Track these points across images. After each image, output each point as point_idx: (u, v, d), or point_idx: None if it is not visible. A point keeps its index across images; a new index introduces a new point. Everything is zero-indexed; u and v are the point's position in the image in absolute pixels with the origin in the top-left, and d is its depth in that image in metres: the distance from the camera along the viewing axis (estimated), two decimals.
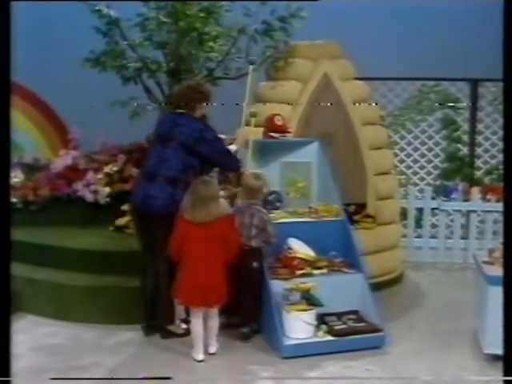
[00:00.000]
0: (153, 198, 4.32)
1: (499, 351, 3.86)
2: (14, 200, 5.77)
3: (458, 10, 7.49)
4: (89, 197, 5.94)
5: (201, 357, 4.08)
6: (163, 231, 4.27)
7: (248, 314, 4.46)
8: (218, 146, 4.46)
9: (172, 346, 4.34)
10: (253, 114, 4.90)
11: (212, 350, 4.19)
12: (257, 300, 4.42)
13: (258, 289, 4.38)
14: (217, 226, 4.12)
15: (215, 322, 4.19)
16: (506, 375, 2.76)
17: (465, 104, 7.56)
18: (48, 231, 5.70)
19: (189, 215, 4.10)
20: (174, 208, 4.25)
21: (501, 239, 5.11)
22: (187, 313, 4.52)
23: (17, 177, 6.13)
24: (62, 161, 6.26)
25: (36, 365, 4.00)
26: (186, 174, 4.34)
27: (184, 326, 4.49)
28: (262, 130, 5.09)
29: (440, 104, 7.62)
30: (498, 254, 4.25)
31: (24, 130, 7.41)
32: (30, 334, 4.53)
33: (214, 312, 4.18)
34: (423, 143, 7.68)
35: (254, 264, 4.35)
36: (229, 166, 4.59)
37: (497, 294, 3.82)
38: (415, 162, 7.70)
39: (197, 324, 4.12)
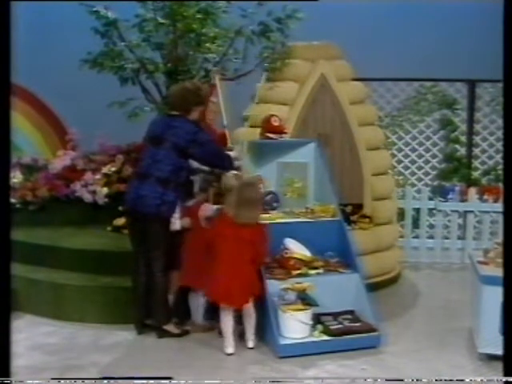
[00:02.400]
0: (143, 198, 4.37)
1: (493, 350, 3.89)
2: (12, 200, 5.79)
3: (456, 11, 7.50)
4: (87, 197, 5.97)
5: (231, 350, 4.17)
6: (155, 231, 4.36)
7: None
8: (210, 148, 4.47)
9: (169, 345, 4.36)
10: (245, 118, 4.92)
11: (251, 344, 4.25)
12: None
13: None
14: (255, 230, 4.21)
15: (251, 316, 4.24)
16: (506, 375, 2.79)
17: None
18: (46, 231, 5.72)
19: (232, 214, 4.17)
20: (164, 208, 4.33)
21: (497, 239, 5.17)
22: (178, 315, 4.57)
23: (15, 177, 6.15)
24: (61, 161, 6.28)
25: (33, 364, 4.02)
26: (177, 175, 4.38)
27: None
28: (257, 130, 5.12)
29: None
30: (493, 254, 4.27)
31: (23, 130, 7.44)
32: (28, 334, 4.55)
33: (249, 307, 4.22)
34: (421, 144, 7.70)
35: None
36: (221, 166, 4.54)
37: (491, 294, 3.85)
38: (413, 162, 7.71)
39: (227, 318, 4.19)
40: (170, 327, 4.51)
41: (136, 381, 3.69)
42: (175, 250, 4.49)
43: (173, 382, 3.65)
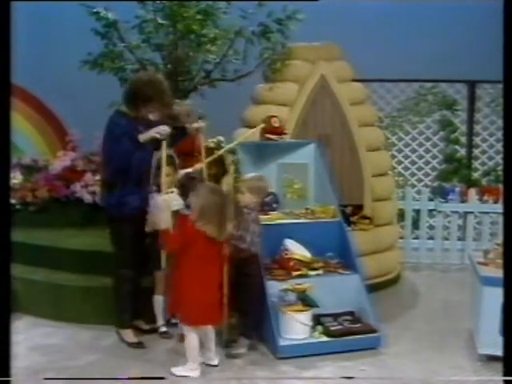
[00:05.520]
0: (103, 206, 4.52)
1: (493, 351, 3.89)
2: (12, 201, 5.79)
3: (456, 12, 7.50)
4: (87, 198, 5.97)
5: (198, 373, 3.88)
6: (110, 235, 4.44)
7: (253, 322, 4.33)
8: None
9: (168, 346, 4.35)
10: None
11: (215, 361, 4.02)
12: (260, 305, 4.27)
13: (260, 295, 4.24)
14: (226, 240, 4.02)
15: (213, 333, 4.03)
16: (505, 375, 2.79)
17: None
18: (46, 232, 5.72)
19: (214, 233, 3.86)
20: (111, 212, 4.36)
21: (497, 240, 5.17)
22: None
23: (15, 178, 6.14)
24: (61, 162, 6.28)
25: (33, 365, 4.02)
26: (116, 176, 4.30)
27: (164, 329, 4.50)
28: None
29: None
30: (493, 255, 4.27)
31: (23, 131, 7.44)
32: (27, 335, 4.55)
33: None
34: (421, 145, 7.71)
35: (254, 270, 4.25)
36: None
37: (491, 295, 3.86)
38: (413, 163, 7.72)
39: (194, 339, 3.89)
40: (126, 334, 4.41)
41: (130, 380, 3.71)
42: (150, 251, 4.40)
43: None
